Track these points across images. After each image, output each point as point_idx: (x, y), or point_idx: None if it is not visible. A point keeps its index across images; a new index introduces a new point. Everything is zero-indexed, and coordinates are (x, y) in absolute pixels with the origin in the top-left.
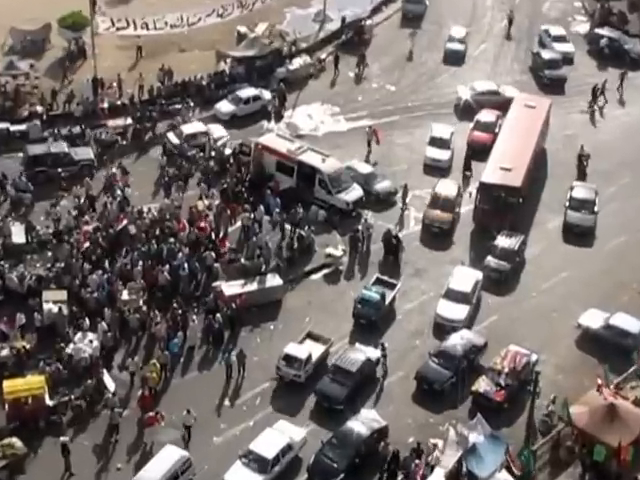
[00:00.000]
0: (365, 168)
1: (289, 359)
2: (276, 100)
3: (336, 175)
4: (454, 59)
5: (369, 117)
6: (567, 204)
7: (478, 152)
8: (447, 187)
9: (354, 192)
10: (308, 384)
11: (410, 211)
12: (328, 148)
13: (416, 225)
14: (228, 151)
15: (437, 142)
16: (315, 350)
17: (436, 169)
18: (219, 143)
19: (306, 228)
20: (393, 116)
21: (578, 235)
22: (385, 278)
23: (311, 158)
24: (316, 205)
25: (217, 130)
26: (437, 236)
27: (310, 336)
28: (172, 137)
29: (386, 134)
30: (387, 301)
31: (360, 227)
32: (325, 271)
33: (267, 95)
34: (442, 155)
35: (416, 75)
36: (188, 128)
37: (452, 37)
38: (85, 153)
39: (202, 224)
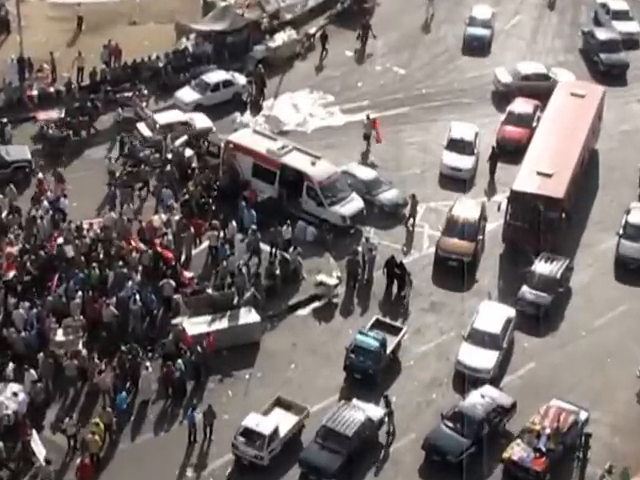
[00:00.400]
0: (367, 173)
1: (249, 435)
2: (253, 86)
3: (329, 182)
4: (476, 48)
5: (372, 108)
6: (621, 232)
7: (510, 152)
8: (467, 208)
9: (352, 204)
10: (274, 467)
11: (424, 229)
12: (319, 148)
13: (431, 246)
14: (189, 152)
15: (457, 145)
16: (284, 422)
17: (455, 181)
18: (177, 142)
19: (291, 250)
20: (402, 107)
21: (634, 272)
22: (387, 321)
23: (297, 160)
24: (304, 220)
25: (200, 120)
26: (455, 271)
27: (279, 404)
28: (143, 129)
29: (394, 130)
30: (389, 349)
31: (360, 248)
32: (315, 305)
33: (241, 80)
34: (463, 162)
35: (432, 55)
36: (163, 117)
37: (474, 19)
38: (20, 153)
39: (162, 247)
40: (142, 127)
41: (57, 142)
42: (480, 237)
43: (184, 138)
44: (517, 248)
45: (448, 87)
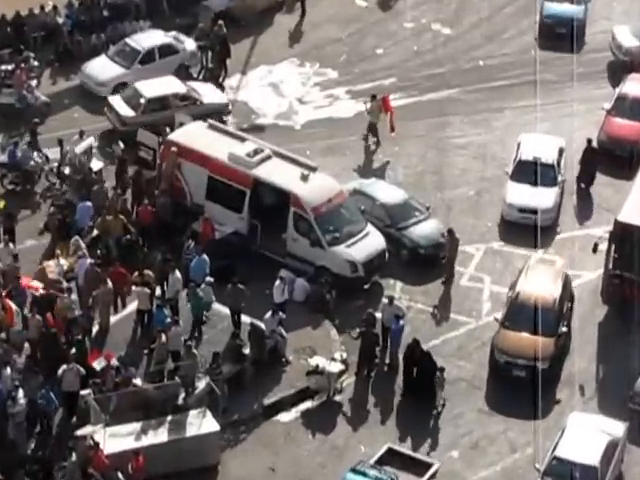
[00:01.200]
0: (391, 194)
1: None
2: (208, 55)
3: (330, 208)
4: (559, 38)
5: (399, 90)
6: None
7: (620, 158)
8: (542, 280)
9: (367, 242)
10: None
11: (483, 283)
12: (315, 153)
13: (495, 310)
14: (98, 164)
15: (528, 172)
16: None
17: (525, 230)
18: (79, 148)
19: (267, 316)
20: (447, 89)
21: None
22: (406, 452)
23: (280, 173)
24: (290, 270)
25: (208, 92)
26: (524, 384)
27: None
28: (120, 105)
29: (433, 125)
30: None
31: (379, 315)
32: (306, 405)
33: (189, 45)
34: (540, 200)
35: (494, 5)
36: (151, 87)
37: None
38: None
39: (60, 310)
40: (118, 102)
41: None
42: (564, 329)
43: (88, 142)
44: (627, 313)
45: (520, 56)
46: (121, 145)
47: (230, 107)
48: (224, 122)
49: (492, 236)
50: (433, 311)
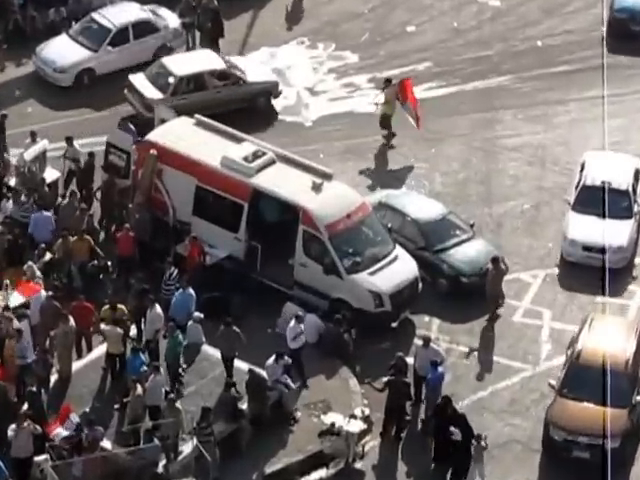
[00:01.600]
0: (424, 208)
1: None
2: (195, 34)
3: (349, 226)
4: (634, 34)
5: (434, 77)
6: None
7: None
8: (612, 332)
9: (396, 269)
10: None
11: (542, 319)
12: (330, 156)
13: (557, 354)
14: (53, 174)
15: (594, 200)
16: None
17: (591, 272)
18: (29, 154)
19: (270, 361)
20: (496, 75)
21: None
22: None
23: (285, 183)
24: (298, 303)
25: (254, 68)
26: (588, 467)
27: None
28: (143, 85)
29: (478, 121)
30: None
31: (412, 360)
32: (319, 474)
33: (172, 21)
34: (610, 236)
35: None
36: (183, 63)
37: None
38: None
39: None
40: (141, 82)
41: None
42: (638, 396)
43: (41, 146)
44: None
45: (587, 35)
46: (77, 146)
47: (281, 87)
48: (272, 106)
49: (553, 260)
50: (479, 355)
